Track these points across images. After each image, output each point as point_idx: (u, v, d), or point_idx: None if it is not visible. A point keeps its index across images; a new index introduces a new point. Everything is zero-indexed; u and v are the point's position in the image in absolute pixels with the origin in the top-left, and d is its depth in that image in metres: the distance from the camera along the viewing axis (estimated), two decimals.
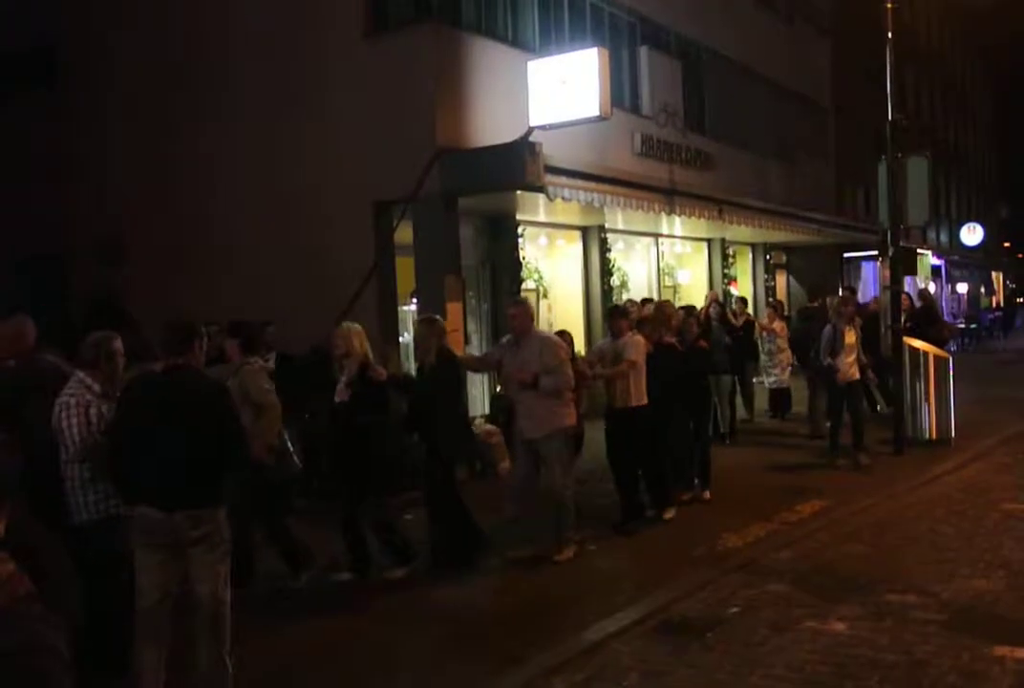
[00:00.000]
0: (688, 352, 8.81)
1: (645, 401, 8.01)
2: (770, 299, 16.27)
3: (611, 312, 8.67)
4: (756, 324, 13.57)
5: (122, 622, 4.53)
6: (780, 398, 13.93)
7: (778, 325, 13.51)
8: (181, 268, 13.08)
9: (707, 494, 9.02)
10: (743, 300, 14.15)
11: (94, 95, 14.35)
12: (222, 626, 4.47)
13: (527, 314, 7.25)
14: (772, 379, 13.71)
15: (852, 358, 10.38)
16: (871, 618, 5.61)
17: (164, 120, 13.45)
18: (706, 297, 13.61)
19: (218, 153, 12.86)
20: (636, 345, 7.99)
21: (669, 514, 8.31)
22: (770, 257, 20.62)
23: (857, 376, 10.57)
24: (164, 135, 13.43)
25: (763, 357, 13.72)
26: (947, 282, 37.01)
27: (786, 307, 21.73)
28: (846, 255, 24.81)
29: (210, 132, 12.95)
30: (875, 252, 23.13)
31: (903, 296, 13.79)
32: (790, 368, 13.68)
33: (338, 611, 6.21)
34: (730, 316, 13.00)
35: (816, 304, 13.81)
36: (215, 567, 4.44)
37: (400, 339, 11.95)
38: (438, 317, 7.49)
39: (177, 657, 4.52)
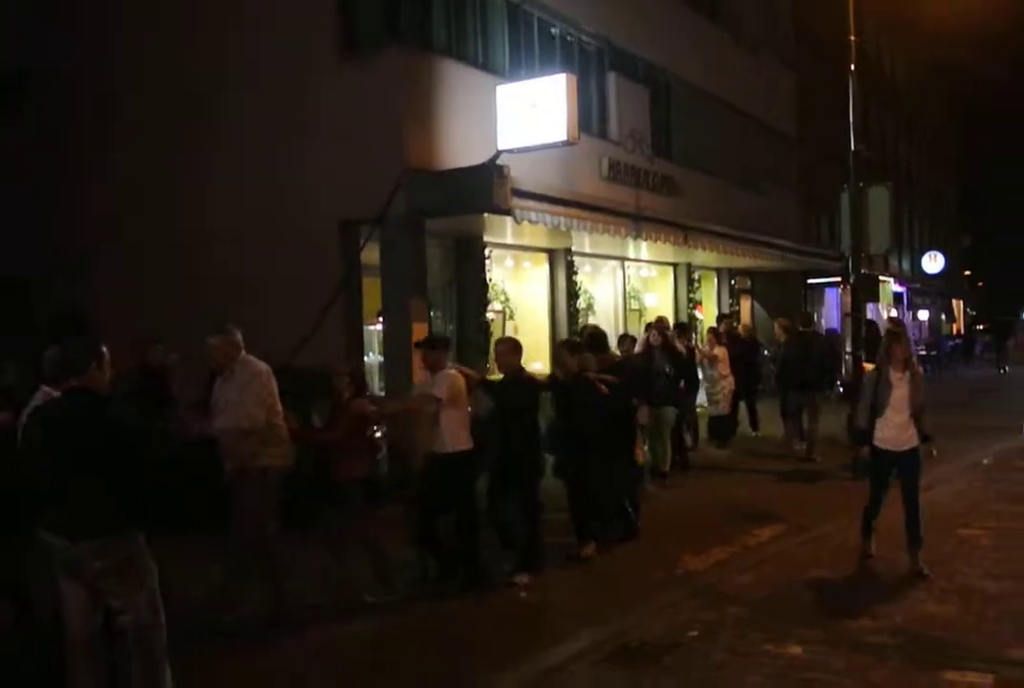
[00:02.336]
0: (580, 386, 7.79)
1: (464, 446, 6.98)
2: (714, 325, 15.42)
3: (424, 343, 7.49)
4: (696, 351, 13.08)
5: (53, 650, 4.42)
6: (722, 426, 13.67)
7: (719, 351, 13.25)
8: (152, 285, 12.96)
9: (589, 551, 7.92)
10: (681, 325, 13.50)
11: (65, 118, 14.23)
12: (153, 650, 4.35)
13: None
14: (713, 407, 13.50)
15: (904, 417, 7.16)
16: (828, 642, 5.64)
17: (138, 140, 13.34)
18: (647, 325, 12.88)
19: (190, 173, 12.78)
20: (444, 380, 6.95)
21: (522, 579, 7.06)
22: (735, 282, 20.79)
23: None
24: (137, 155, 13.32)
25: (705, 384, 13.31)
26: (908, 309, 37.47)
27: (751, 330, 21.97)
28: (809, 281, 25.07)
29: (183, 152, 12.87)
30: (838, 278, 23.44)
31: (873, 326, 14.05)
32: (732, 395, 13.55)
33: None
34: (678, 344, 12.12)
35: (811, 329, 13.81)
36: (131, 598, 4.30)
37: (365, 358, 11.90)
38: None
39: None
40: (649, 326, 12.39)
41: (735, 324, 15.24)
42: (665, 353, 11.16)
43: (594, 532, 7.97)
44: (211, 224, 12.39)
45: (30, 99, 14.89)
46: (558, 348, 8.21)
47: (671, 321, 17.25)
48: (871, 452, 7.29)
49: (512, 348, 7.53)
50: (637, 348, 11.23)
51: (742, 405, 14.55)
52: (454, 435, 6.92)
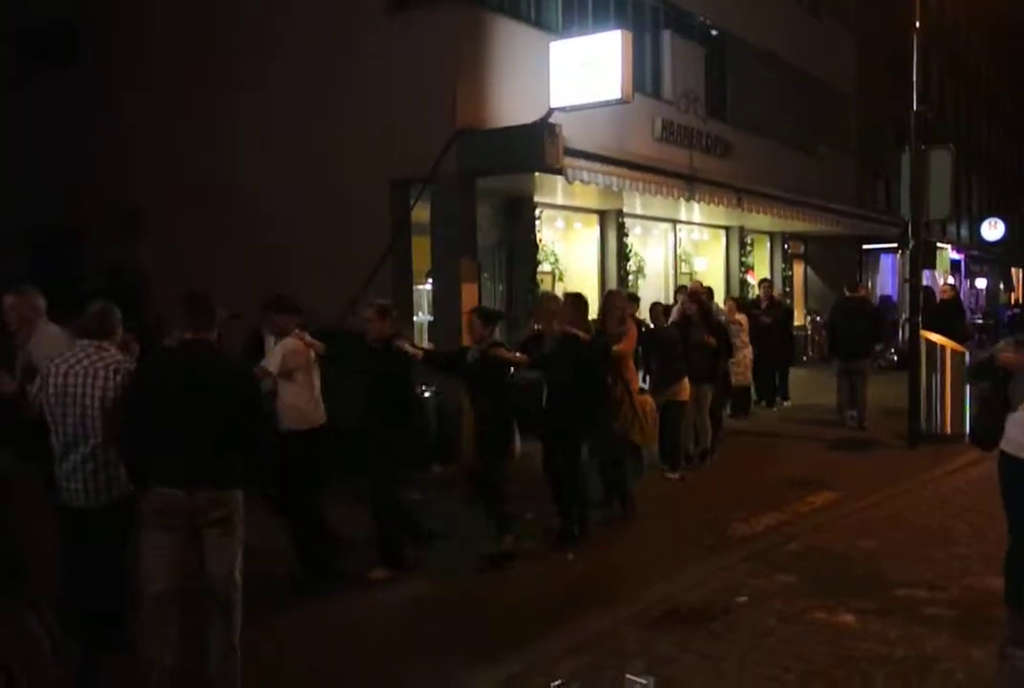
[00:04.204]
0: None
1: (310, 425, 6.30)
2: (733, 295, 15.07)
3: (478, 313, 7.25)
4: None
5: (122, 604, 4.44)
6: (741, 397, 12.98)
7: (740, 318, 12.53)
8: (202, 243, 13.01)
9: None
10: (702, 286, 12.57)
11: (115, 66, 14.28)
12: (234, 611, 4.36)
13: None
14: (733, 378, 12.23)
15: None
16: (880, 612, 5.54)
17: (188, 91, 13.35)
18: (679, 292, 12.29)
19: (242, 127, 12.78)
20: (281, 350, 6.31)
21: (376, 574, 6.39)
22: (788, 247, 20.47)
23: None
24: (187, 106, 13.34)
25: None
26: (965, 277, 36.73)
27: (804, 297, 21.70)
28: (865, 247, 24.63)
29: (234, 105, 12.86)
30: (894, 244, 23.01)
31: (930, 293, 13.76)
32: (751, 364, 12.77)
33: (344, 595, 6.18)
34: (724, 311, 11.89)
35: (860, 294, 13.41)
36: (230, 550, 4.34)
37: (415, 318, 11.88)
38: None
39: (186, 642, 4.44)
40: (681, 291, 12.05)
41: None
42: (704, 323, 10.04)
43: (573, 520, 7.26)
44: (260, 184, 12.38)
45: (82, 54, 14.96)
46: (469, 315, 7.29)
47: (722, 286, 17.14)
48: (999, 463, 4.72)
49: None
50: (674, 316, 10.36)
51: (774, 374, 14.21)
52: (297, 411, 6.29)
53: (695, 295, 10.65)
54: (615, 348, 7.84)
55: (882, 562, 6.62)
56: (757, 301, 14.33)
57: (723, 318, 11.67)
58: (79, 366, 4.78)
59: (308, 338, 6.42)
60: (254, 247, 12.29)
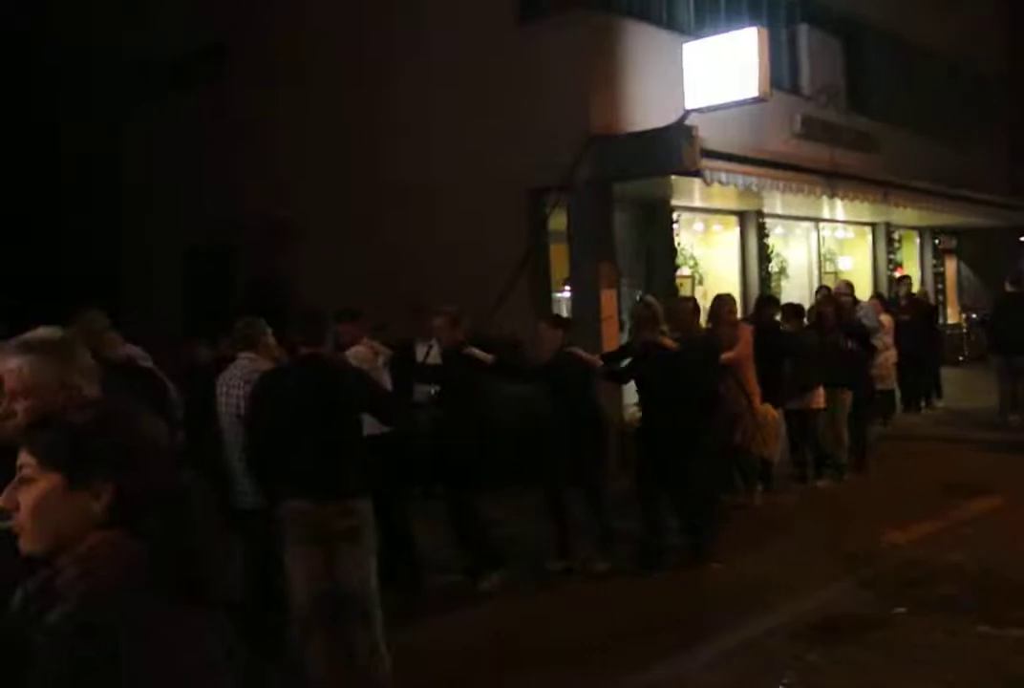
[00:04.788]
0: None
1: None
2: (878, 291, 14.10)
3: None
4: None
5: (279, 608, 4.58)
6: (884, 402, 11.96)
7: (885, 319, 11.76)
8: (344, 254, 13.37)
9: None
10: (848, 285, 11.96)
11: (266, 87, 14.81)
12: (373, 617, 4.47)
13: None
14: (877, 382, 11.31)
15: None
16: None
17: (326, 112, 13.75)
18: (819, 292, 11.71)
19: (378, 145, 13.08)
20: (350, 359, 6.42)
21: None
22: (939, 242, 19.67)
23: None
24: (326, 127, 13.74)
25: None
26: None
27: (957, 294, 20.81)
28: (1022, 239, 23.44)
29: (370, 124, 13.19)
30: None
31: None
32: (895, 368, 12.05)
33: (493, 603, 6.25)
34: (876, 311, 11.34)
35: (1018, 289, 12.59)
36: (362, 560, 4.45)
37: None
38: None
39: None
40: (820, 291, 11.52)
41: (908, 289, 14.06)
42: (840, 326, 9.53)
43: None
44: (399, 194, 12.64)
45: (225, 72, 15.61)
46: (538, 323, 7.12)
47: (869, 284, 16.60)
48: None
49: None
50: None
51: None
52: None
53: (828, 298, 10.17)
54: (724, 356, 7.59)
55: None
56: (896, 299, 13.79)
57: (863, 318, 10.93)
58: (236, 377, 5.10)
59: (376, 345, 6.57)
60: (395, 258, 12.55)
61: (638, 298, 11.50)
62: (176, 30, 16.16)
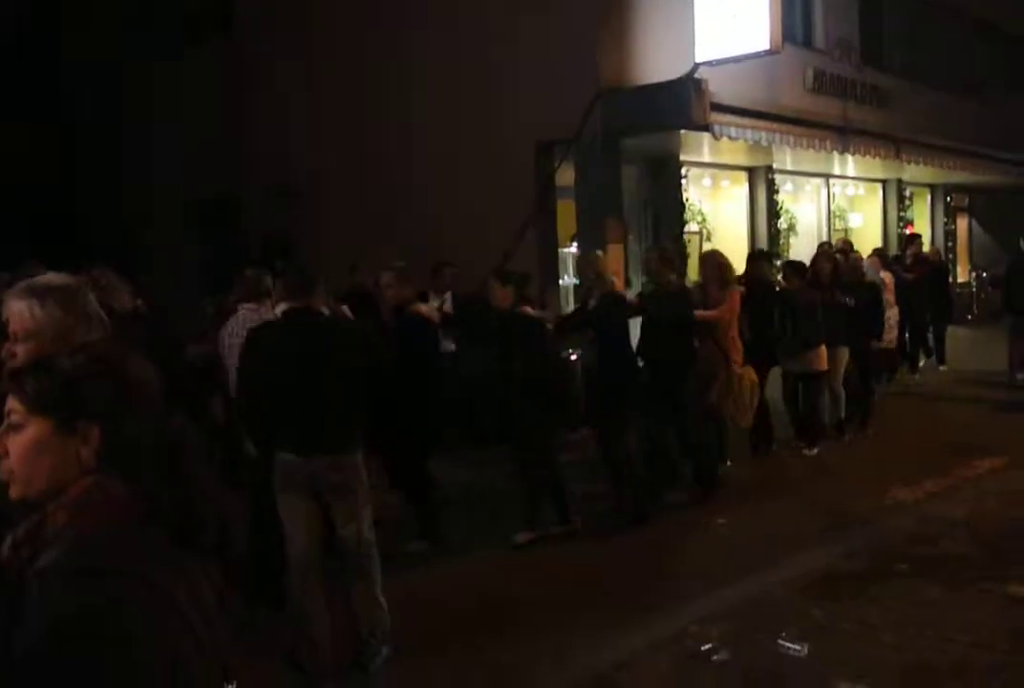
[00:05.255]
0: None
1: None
2: (878, 247, 13.26)
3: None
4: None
5: (277, 556, 4.60)
6: (886, 360, 11.46)
7: (885, 276, 11.15)
8: (355, 207, 13.28)
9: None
10: (848, 244, 11.89)
11: (272, 39, 14.61)
12: (371, 567, 4.50)
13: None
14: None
15: None
16: None
17: (340, 61, 13.56)
18: (819, 247, 11.45)
19: (392, 93, 12.91)
20: None
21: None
22: (951, 199, 19.48)
23: None
24: (340, 76, 13.55)
25: None
26: None
27: (968, 253, 20.65)
28: None
29: (384, 72, 12.97)
30: None
31: None
32: (897, 327, 11.55)
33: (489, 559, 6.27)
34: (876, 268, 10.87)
35: None
36: (356, 511, 4.45)
37: (560, 281, 11.87)
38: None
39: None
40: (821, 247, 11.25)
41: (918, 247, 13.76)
42: (837, 283, 9.18)
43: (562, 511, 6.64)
44: (405, 147, 12.53)
45: (234, 27, 15.42)
46: (489, 279, 6.79)
47: (879, 241, 16.46)
48: None
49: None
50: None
51: (928, 337, 13.34)
52: None
53: (825, 254, 9.78)
54: (701, 314, 7.43)
55: None
56: (901, 257, 13.41)
57: (871, 275, 10.50)
58: (239, 327, 5.09)
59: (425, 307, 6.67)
60: (401, 211, 12.48)
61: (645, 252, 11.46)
62: None
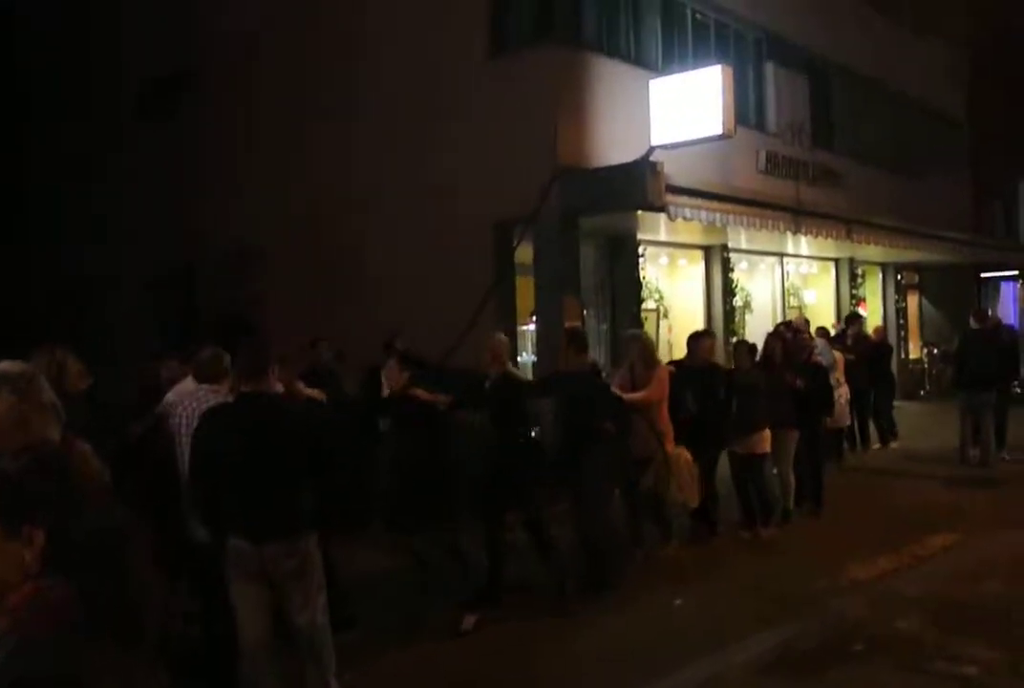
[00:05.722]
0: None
1: None
2: (821, 326, 12.87)
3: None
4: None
5: (229, 644, 4.52)
6: (834, 441, 11.56)
7: (837, 355, 11.37)
8: (310, 285, 13.38)
9: None
10: (805, 321, 12.05)
11: (224, 115, 14.87)
12: (324, 653, 4.45)
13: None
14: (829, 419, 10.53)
15: None
16: (1008, 664, 5.31)
17: (292, 142, 13.82)
18: (777, 326, 11.38)
19: (345, 175, 13.15)
20: None
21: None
22: (901, 277, 19.96)
23: None
24: (292, 154, 13.79)
25: None
26: None
27: (919, 329, 21.07)
28: (983, 275, 23.82)
29: (337, 153, 13.26)
30: (1015, 272, 22.25)
31: None
32: (848, 406, 11.78)
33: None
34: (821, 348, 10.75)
35: (983, 325, 12.50)
36: (311, 597, 4.39)
37: (519, 358, 11.96)
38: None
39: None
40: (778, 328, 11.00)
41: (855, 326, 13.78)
42: (788, 363, 9.06)
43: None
44: (365, 226, 12.70)
45: (183, 101, 15.67)
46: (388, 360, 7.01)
47: (833, 319, 16.77)
48: None
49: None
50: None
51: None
52: None
53: (774, 334, 9.66)
54: (629, 396, 7.36)
55: (1008, 608, 6.35)
56: (842, 336, 13.21)
57: (819, 355, 10.40)
58: (198, 409, 5.07)
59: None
60: (359, 288, 12.59)
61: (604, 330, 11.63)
62: (134, 64, 16.29)
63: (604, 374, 9.28)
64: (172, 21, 15.77)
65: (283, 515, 4.32)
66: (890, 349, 14.87)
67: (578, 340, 7.28)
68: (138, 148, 16.12)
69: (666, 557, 7.73)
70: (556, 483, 7.01)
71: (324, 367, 9.25)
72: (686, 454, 7.69)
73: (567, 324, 9.85)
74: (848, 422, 12.28)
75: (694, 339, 8.69)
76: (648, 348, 7.90)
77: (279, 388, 5.36)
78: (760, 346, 9.37)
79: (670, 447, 7.57)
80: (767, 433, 8.50)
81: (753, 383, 8.48)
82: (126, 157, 16.30)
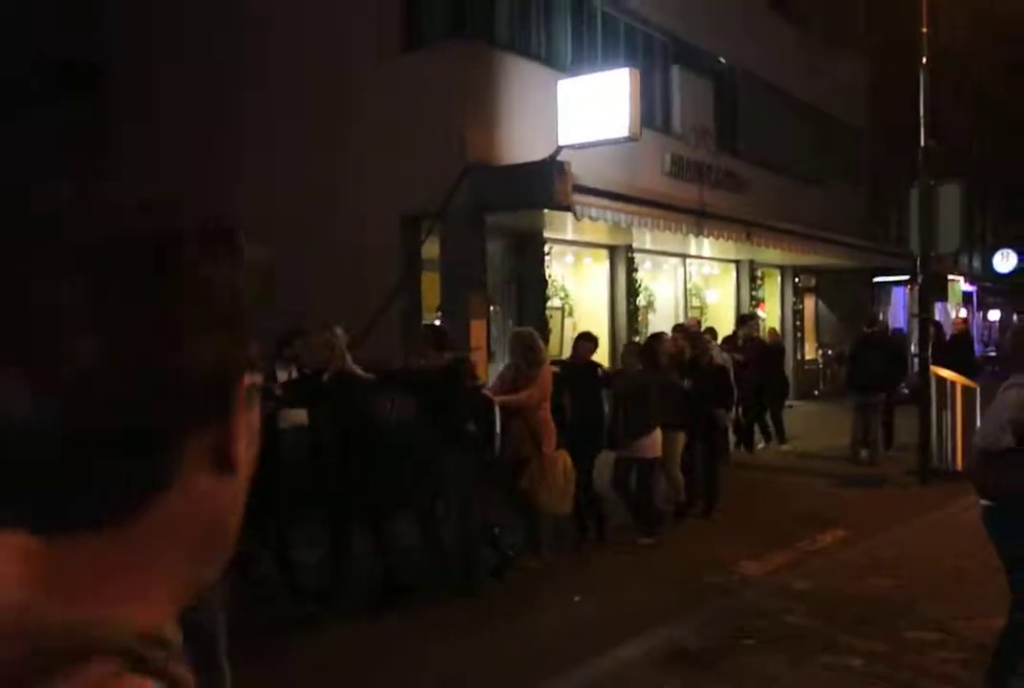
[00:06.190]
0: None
1: None
2: (709, 327, 12.99)
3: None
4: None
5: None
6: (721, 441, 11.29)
7: (725, 357, 11.18)
8: None
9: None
10: (700, 331, 11.72)
11: (120, 110, 14.50)
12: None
13: None
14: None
15: None
16: (890, 655, 5.51)
17: (196, 135, 13.52)
18: (675, 330, 11.02)
19: (249, 169, 12.93)
20: None
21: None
22: (799, 280, 20.52)
23: None
24: (195, 149, 13.51)
25: None
26: (978, 309, 36.62)
27: (815, 331, 21.67)
28: (876, 279, 24.63)
29: (241, 149, 13.03)
30: (906, 277, 23.03)
31: (938, 328, 13.66)
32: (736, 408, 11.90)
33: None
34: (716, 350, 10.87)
35: (874, 330, 13.01)
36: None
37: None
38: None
39: None
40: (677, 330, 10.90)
41: (754, 328, 14.13)
42: (675, 365, 9.06)
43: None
44: (270, 220, 12.48)
45: (78, 89, 15.24)
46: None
47: (732, 320, 17.14)
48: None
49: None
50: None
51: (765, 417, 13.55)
52: None
53: (657, 336, 9.34)
54: (502, 398, 7.19)
55: (892, 602, 6.58)
56: (733, 337, 13.26)
57: (721, 357, 10.61)
58: None
59: None
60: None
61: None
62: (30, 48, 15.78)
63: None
64: (71, 5, 15.30)
65: None
66: (782, 351, 14.92)
67: (437, 336, 7.12)
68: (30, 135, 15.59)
69: (537, 565, 7.53)
70: (416, 485, 6.86)
71: None
72: (565, 457, 7.45)
73: (425, 322, 9.79)
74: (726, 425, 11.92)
75: (576, 340, 8.65)
76: (531, 347, 7.56)
77: None
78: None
79: (548, 449, 7.32)
80: (657, 436, 8.28)
81: (642, 385, 8.31)
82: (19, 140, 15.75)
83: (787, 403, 14.19)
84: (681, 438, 8.93)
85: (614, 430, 8.32)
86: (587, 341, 8.54)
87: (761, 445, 13.55)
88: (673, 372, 8.84)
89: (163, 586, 0.63)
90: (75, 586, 0.59)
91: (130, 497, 0.61)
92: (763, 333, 14.98)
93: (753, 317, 15.10)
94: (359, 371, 6.62)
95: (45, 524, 0.59)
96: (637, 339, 12.42)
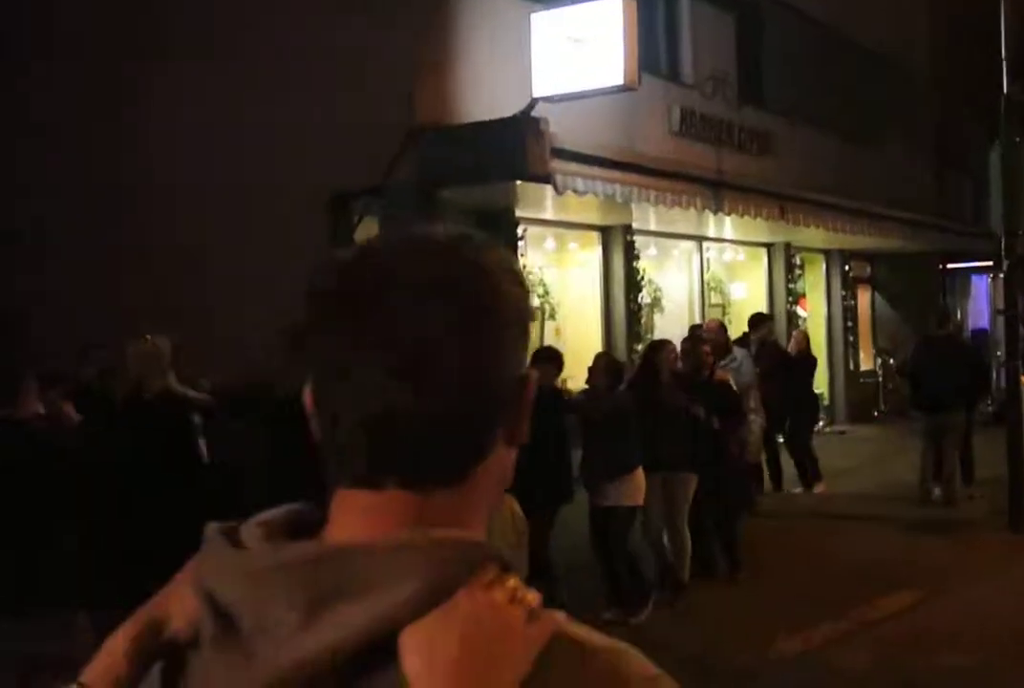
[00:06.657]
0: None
1: None
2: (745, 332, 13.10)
3: None
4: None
5: None
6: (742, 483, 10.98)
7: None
8: (98, 266, 12.99)
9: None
10: (721, 326, 12.15)
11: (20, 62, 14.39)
12: None
13: None
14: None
15: None
16: None
17: (102, 90, 13.37)
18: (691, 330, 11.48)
19: (144, 130, 12.82)
20: None
21: None
22: (849, 268, 20.49)
23: None
24: (100, 107, 13.36)
25: None
26: None
27: (872, 334, 21.66)
28: (949, 266, 24.66)
29: (140, 103, 12.91)
30: (989, 262, 23.07)
31: None
32: (764, 435, 11.98)
33: None
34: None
35: (947, 331, 13.02)
36: None
37: None
38: None
39: None
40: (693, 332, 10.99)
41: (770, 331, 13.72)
42: (681, 383, 8.77)
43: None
44: (170, 201, 12.42)
45: None
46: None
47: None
48: None
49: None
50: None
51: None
52: None
53: (656, 346, 9.20)
54: None
55: (971, 685, 6.56)
56: (743, 341, 12.84)
57: (736, 373, 10.42)
58: None
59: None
60: (163, 280, 12.29)
61: None
62: None
63: None
64: None
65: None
66: (813, 363, 14.35)
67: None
68: None
69: None
70: None
71: (95, 383, 9.09)
72: (514, 505, 7.25)
73: None
74: (758, 459, 12.06)
75: (531, 360, 8.02)
76: None
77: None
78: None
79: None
80: (639, 478, 7.98)
81: (618, 409, 8.09)
82: None
83: (821, 427, 13.97)
84: (690, 483, 8.61)
85: (584, 470, 8.14)
86: (545, 362, 7.84)
87: (798, 490, 13.18)
88: (678, 393, 8.57)
89: (483, 517, 1.12)
90: (447, 521, 1.03)
91: (472, 462, 1.07)
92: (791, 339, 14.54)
93: (770, 318, 14.61)
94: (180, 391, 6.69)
95: (424, 481, 1.04)
96: (638, 346, 12.36)
